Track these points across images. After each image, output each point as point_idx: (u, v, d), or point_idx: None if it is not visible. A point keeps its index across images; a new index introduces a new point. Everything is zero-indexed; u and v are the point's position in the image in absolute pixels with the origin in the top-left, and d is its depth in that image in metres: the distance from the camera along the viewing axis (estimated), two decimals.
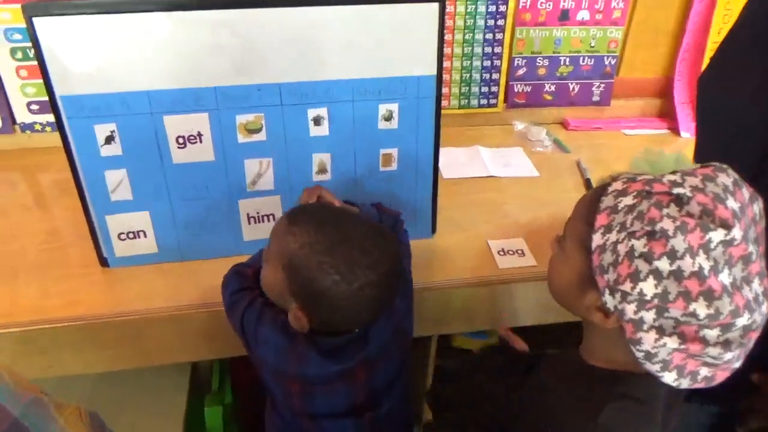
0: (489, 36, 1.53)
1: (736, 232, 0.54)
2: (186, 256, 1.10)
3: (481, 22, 1.51)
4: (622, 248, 0.58)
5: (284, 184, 1.07)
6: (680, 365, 0.59)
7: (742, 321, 0.54)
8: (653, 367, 0.60)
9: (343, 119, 1.03)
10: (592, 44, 1.60)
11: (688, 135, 1.66)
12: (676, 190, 0.57)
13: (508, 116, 1.66)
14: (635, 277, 0.57)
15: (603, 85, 1.66)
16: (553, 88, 1.64)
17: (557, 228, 1.25)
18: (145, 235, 1.06)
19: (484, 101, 1.62)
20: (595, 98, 1.68)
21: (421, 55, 1.01)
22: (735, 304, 0.54)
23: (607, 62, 1.63)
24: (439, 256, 1.15)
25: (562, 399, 0.70)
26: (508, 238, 1.19)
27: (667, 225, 0.55)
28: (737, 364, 0.59)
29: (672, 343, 0.57)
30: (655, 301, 0.56)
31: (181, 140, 0.99)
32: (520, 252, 1.15)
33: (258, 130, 1.01)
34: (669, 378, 0.60)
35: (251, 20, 0.92)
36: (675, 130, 1.68)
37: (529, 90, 1.63)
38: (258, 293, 0.88)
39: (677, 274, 0.55)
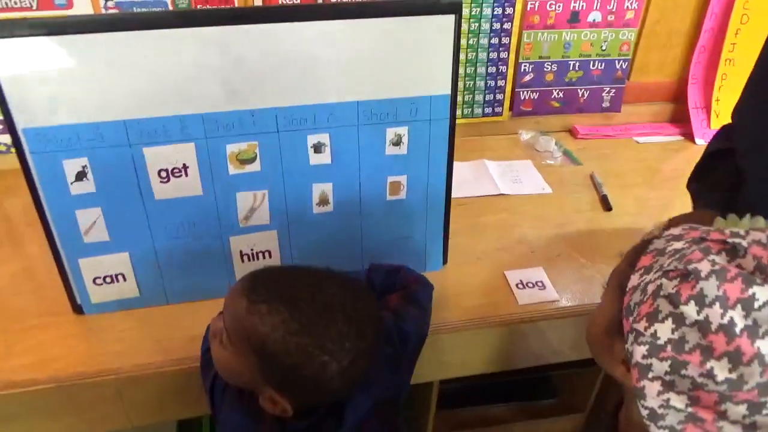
0: (495, 40, 1.42)
1: None
2: (172, 300, 0.98)
3: (486, 26, 1.40)
4: (651, 287, 0.52)
5: (281, 217, 0.96)
6: None
7: None
8: None
9: (347, 145, 0.92)
10: (604, 47, 1.50)
11: (702, 142, 1.57)
12: (733, 240, 0.50)
13: (513, 125, 1.56)
14: (653, 317, 0.50)
15: (614, 91, 1.56)
16: (561, 94, 1.54)
17: (576, 253, 1.17)
18: (125, 279, 0.94)
19: (488, 109, 1.52)
20: (605, 104, 1.58)
21: (434, 73, 0.89)
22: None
23: (618, 66, 1.53)
24: (452, 291, 1.04)
25: None
26: (526, 267, 1.09)
27: (703, 266, 0.48)
28: None
29: (678, 402, 0.49)
30: (668, 348, 0.49)
31: (164, 174, 0.87)
32: (540, 284, 1.05)
33: (251, 160, 0.89)
34: None
35: (243, 38, 0.81)
36: (689, 136, 1.60)
37: (536, 97, 1.53)
38: None
39: (703, 325, 0.47)
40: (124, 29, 0.77)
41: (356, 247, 1.02)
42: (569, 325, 1.02)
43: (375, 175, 0.96)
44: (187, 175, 0.87)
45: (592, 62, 1.51)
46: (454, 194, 1.28)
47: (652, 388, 0.51)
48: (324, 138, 0.90)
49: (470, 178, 1.36)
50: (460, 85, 1.47)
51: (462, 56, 1.43)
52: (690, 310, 0.48)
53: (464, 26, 1.39)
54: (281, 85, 0.85)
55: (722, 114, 1.57)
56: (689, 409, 0.49)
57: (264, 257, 0.99)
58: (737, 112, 0.86)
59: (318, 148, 0.91)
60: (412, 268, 0.99)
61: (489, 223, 1.23)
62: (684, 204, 1.31)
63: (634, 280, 0.55)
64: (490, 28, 1.41)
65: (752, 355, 0.46)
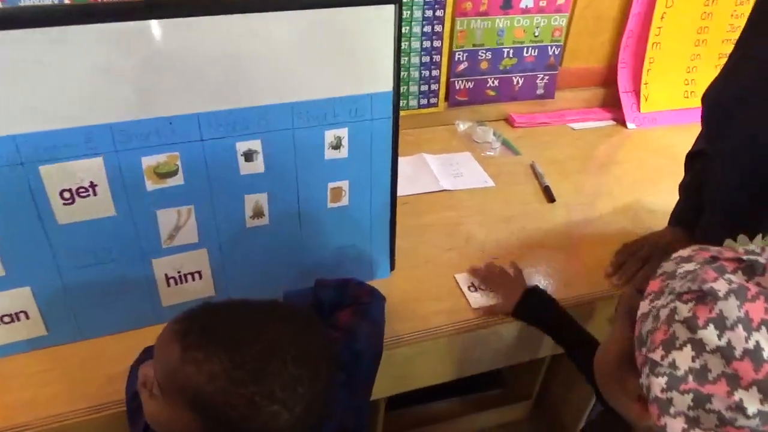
0: (428, 28, 1.36)
1: None
2: (87, 334, 0.86)
3: (418, 14, 1.33)
4: (664, 312, 0.47)
5: (211, 235, 0.85)
6: None
7: None
8: None
9: (282, 152, 0.83)
10: (536, 34, 1.47)
11: (633, 126, 1.59)
12: (749, 257, 0.45)
13: (449, 116, 1.51)
14: (669, 345, 0.45)
15: (547, 77, 1.54)
16: (496, 82, 1.50)
17: (525, 248, 1.13)
18: (27, 316, 0.81)
19: (423, 101, 1.45)
20: (540, 91, 1.56)
21: (374, 69, 0.82)
22: None
23: (551, 52, 1.51)
24: (401, 299, 0.97)
25: None
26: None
27: (720, 286, 0.44)
28: None
29: None
30: (690, 379, 0.44)
31: (67, 195, 0.74)
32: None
33: (172, 174, 0.78)
34: None
35: (154, 35, 0.69)
36: (621, 120, 1.60)
37: (471, 86, 1.48)
38: None
39: (726, 351, 0.42)
40: (10, 27, 0.64)
41: (298, 261, 0.93)
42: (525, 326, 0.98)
43: (314, 182, 0.87)
44: (95, 194, 0.75)
45: (525, 49, 1.48)
46: None
47: (675, 425, 0.45)
48: (255, 145, 0.81)
49: (410, 175, 1.29)
50: None
51: None
52: (710, 335, 0.43)
53: None
54: (202, 87, 0.74)
55: (651, 98, 1.59)
56: None
57: (194, 279, 0.88)
58: (705, 97, 0.83)
59: (249, 156, 0.81)
60: (359, 277, 0.92)
61: (434, 222, 1.17)
62: (621, 190, 1.31)
63: (644, 306, 0.50)
64: (423, 15, 1.34)
65: None
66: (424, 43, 1.38)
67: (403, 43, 1.36)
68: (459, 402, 1.55)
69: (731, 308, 0.43)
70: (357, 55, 0.79)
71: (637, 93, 1.59)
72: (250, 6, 0.71)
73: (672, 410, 0.45)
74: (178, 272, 0.86)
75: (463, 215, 1.19)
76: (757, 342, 0.42)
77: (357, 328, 0.79)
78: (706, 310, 0.44)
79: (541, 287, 0.96)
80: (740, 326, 0.42)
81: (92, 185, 0.75)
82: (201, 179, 0.80)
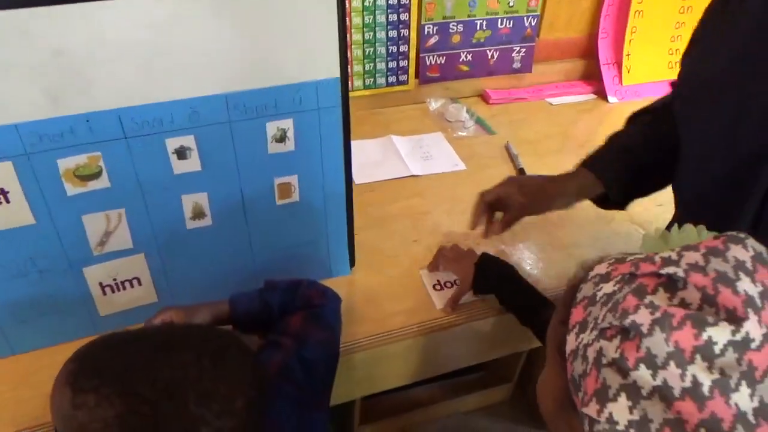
0: (393, 1, 1.27)
1: (752, 328, 0.36)
2: (19, 349, 0.80)
3: None
4: (590, 352, 0.41)
5: (147, 238, 0.78)
6: None
7: None
8: None
9: (219, 147, 0.75)
10: (511, 4, 1.38)
11: (615, 99, 1.51)
12: (667, 270, 0.40)
13: (421, 93, 1.43)
14: (602, 396, 0.40)
15: (524, 50, 1.46)
16: (469, 57, 1.41)
17: (496, 239, 1.07)
18: None
19: (392, 78, 1.37)
20: (516, 65, 1.47)
21: (317, 55, 0.74)
22: None
23: (527, 23, 1.42)
24: (362, 299, 0.92)
25: None
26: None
27: (642, 318, 0.38)
28: None
29: None
30: None
31: None
32: (458, 284, 0.94)
33: (95, 176, 0.71)
34: None
35: (59, 24, 0.61)
36: (602, 94, 1.53)
37: (443, 61, 1.39)
38: None
39: (665, 393, 0.37)
40: None
41: (247, 262, 0.87)
42: (494, 324, 0.92)
43: (258, 178, 0.80)
44: (8, 201, 0.68)
45: (499, 20, 1.39)
46: (358, 180, 1.16)
47: None
48: (188, 141, 0.73)
49: (377, 159, 1.22)
50: (359, 52, 1.30)
51: (358, 20, 1.27)
52: (644, 376, 0.38)
53: None
54: (120, 81, 0.66)
55: (633, 69, 1.51)
56: None
57: (132, 286, 0.81)
58: (683, 58, 0.75)
59: (182, 154, 0.74)
60: (315, 276, 0.86)
61: (399, 211, 1.10)
62: None
63: (571, 342, 0.44)
64: None
65: (732, 418, 0.36)
66: (390, 16, 1.29)
67: (367, 18, 1.27)
68: (439, 387, 1.52)
69: (659, 343, 0.37)
70: (296, 39, 0.71)
71: (618, 64, 1.51)
72: None
73: None
74: (114, 280, 0.80)
75: (430, 203, 1.12)
76: (694, 376, 0.37)
77: (308, 335, 0.73)
78: (634, 348, 0.38)
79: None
80: (672, 362, 0.37)
81: (3, 192, 0.68)
82: (129, 181, 0.73)
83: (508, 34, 1.42)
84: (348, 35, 1.27)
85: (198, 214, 0.79)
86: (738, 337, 0.36)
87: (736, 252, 0.40)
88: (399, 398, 1.45)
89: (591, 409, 0.40)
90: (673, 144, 0.75)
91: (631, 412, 0.38)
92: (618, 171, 0.82)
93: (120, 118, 0.68)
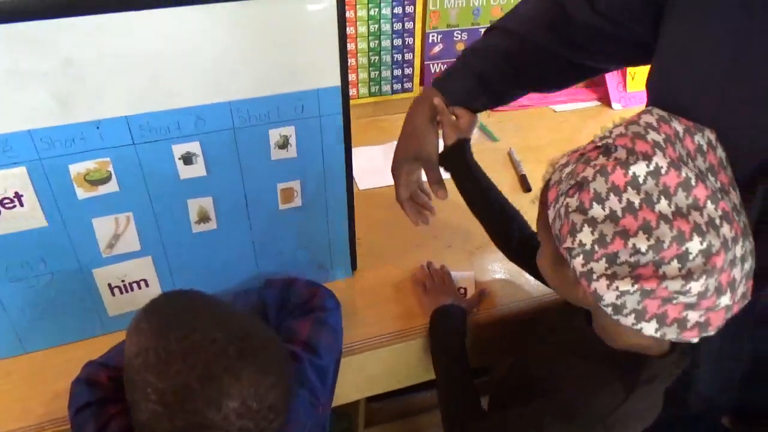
0: (398, 10, 1.29)
1: (659, 160, 0.53)
2: (30, 347, 0.83)
3: None
4: (562, 210, 0.58)
5: (155, 241, 0.81)
6: (659, 314, 0.56)
7: (695, 246, 0.52)
8: (627, 321, 0.57)
9: (224, 153, 0.78)
10: None
11: (619, 106, 1.52)
12: (603, 142, 0.58)
13: None
14: (573, 231, 0.56)
15: None
16: None
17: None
18: None
19: (397, 86, 1.39)
20: None
21: (318, 63, 0.76)
22: (677, 230, 0.52)
23: None
24: (364, 302, 0.94)
25: (578, 371, 0.69)
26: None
27: (588, 172, 0.56)
28: (725, 300, 0.55)
29: (625, 285, 0.54)
30: (597, 248, 0.55)
31: None
32: (461, 291, 0.96)
33: (105, 180, 0.74)
34: (649, 329, 0.57)
35: (71, 34, 0.64)
36: (606, 100, 1.54)
37: None
38: (114, 411, 0.65)
39: (612, 216, 0.54)
40: None
41: (251, 264, 0.89)
42: (493, 326, 0.94)
43: (262, 184, 0.82)
44: (22, 205, 0.71)
45: None
46: (362, 186, 1.18)
47: (601, 286, 0.55)
48: (194, 147, 0.76)
49: (380, 165, 1.24)
50: (364, 61, 1.33)
51: (363, 29, 1.30)
52: (597, 211, 0.55)
53: None
54: (129, 88, 0.69)
55: (638, 76, 1.52)
56: (635, 287, 0.54)
57: (140, 287, 0.84)
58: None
59: (188, 160, 0.76)
60: (318, 279, 0.88)
61: (402, 216, 1.11)
62: None
63: (551, 213, 0.60)
64: None
65: (656, 219, 0.53)
66: (395, 25, 1.31)
67: (372, 26, 1.30)
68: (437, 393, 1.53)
69: (600, 185, 0.54)
70: (298, 49, 0.74)
71: (623, 71, 1.52)
72: (173, 0, 0.65)
73: (595, 276, 0.56)
74: (122, 281, 0.83)
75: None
76: (628, 200, 0.53)
77: (319, 342, 0.76)
78: (587, 194, 0.55)
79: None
80: (612, 194, 0.54)
81: (17, 196, 0.71)
82: (137, 185, 0.76)
83: None
84: (354, 44, 1.30)
85: (203, 217, 0.82)
86: (651, 168, 0.53)
87: (646, 118, 0.58)
88: (404, 402, 1.47)
89: (568, 242, 0.57)
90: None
91: (592, 234, 0.55)
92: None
93: (129, 124, 0.71)
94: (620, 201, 0.54)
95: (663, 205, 0.53)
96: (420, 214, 0.94)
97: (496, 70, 0.86)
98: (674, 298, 0.54)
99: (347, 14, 1.22)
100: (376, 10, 1.28)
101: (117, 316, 0.85)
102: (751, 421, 0.83)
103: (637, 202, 0.53)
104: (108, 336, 0.85)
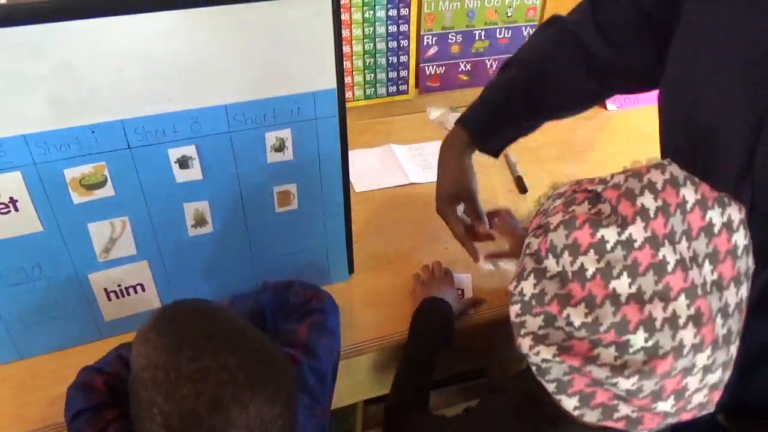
0: (393, 12, 1.29)
1: (635, 232, 0.46)
2: (26, 353, 0.82)
3: None
4: (525, 248, 0.54)
5: (151, 245, 0.81)
6: (585, 393, 0.50)
7: (638, 341, 0.45)
8: (549, 386, 0.52)
9: (220, 156, 0.78)
10: (509, 14, 1.40)
11: (614, 107, 1.53)
12: (596, 187, 0.51)
13: (421, 103, 1.45)
14: (520, 276, 0.52)
15: None
16: (468, 66, 1.44)
17: (494, 246, 1.08)
18: None
19: (393, 88, 1.40)
20: None
21: (314, 66, 0.76)
22: (621, 317, 0.45)
23: (525, 33, 1.44)
24: (361, 305, 0.94)
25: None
26: None
27: (554, 219, 0.50)
28: (663, 406, 0.48)
29: (547, 353, 0.50)
30: (534, 303, 0.51)
31: None
32: (459, 292, 0.96)
33: (100, 185, 0.74)
34: (568, 404, 0.51)
35: (65, 38, 0.64)
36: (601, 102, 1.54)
37: (442, 71, 1.42)
38: (111, 416, 0.64)
39: (562, 276, 0.49)
40: None
41: (247, 268, 0.89)
42: (490, 328, 0.94)
43: (258, 187, 0.82)
44: (17, 210, 0.71)
45: (498, 30, 1.41)
46: (359, 188, 1.18)
47: (524, 343, 0.51)
48: (189, 150, 0.75)
49: (377, 168, 1.24)
50: (359, 63, 1.33)
51: (358, 31, 1.30)
52: (551, 263, 0.49)
53: None
54: (124, 92, 0.69)
55: None
56: (557, 358, 0.49)
57: (137, 292, 0.84)
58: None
59: (184, 163, 0.76)
60: (316, 282, 0.88)
61: (399, 218, 1.12)
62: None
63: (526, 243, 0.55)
64: None
65: (603, 296, 0.46)
66: (389, 27, 1.31)
67: (367, 29, 1.30)
68: (443, 393, 1.53)
69: (559, 237, 0.49)
70: (294, 52, 0.74)
71: None
72: (166, 3, 0.65)
73: (523, 331, 0.51)
74: (118, 286, 0.82)
75: (430, 211, 1.12)
76: (582, 264, 0.47)
77: (317, 345, 0.75)
78: (544, 242, 0.50)
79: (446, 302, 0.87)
80: (566, 252, 0.48)
81: (12, 201, 0.70)
82: (133, 189, 0.75)
83: (506, 44, 1.44)
84: (349, 46, 1.30)
85: (199, 221, 0.82)
86: (623, 237, 0.46)
87: (653, 175, 0.49)
88: None
89: (511, 287, 0.52)
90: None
91: (534, 288, 0.50)
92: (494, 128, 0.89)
93: (124, 128, 0.71)
94: (573, 263, 0.47)
95: (622, 283, 0.46)
96: (476, 250, 0.91)
97: (517, 101, 0.87)
98: (603, 383, 0.49)
99: (342, 16, 1.22)
100: (371, 12, 1.28)
101: (113, 321, 0.84)
102: (746, 417, 0.83)
103: (591, 270, 0.47)
104: (104, 341, 0.85)
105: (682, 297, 0.45)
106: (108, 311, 0.84)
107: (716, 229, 0.48)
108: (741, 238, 0.48)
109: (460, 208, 0.91)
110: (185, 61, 0.70)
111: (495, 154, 0.94)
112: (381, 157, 1.28)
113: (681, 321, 0.45)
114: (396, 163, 1.26)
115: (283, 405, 0.57)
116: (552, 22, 0.88)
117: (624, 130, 1.45)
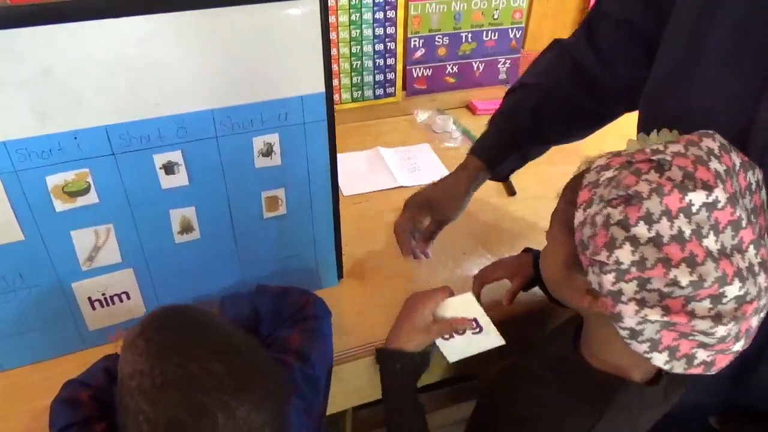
0: (380, 15, 1.29)
1: (719, 194, 0.50)
2: (7, 364, 0.81)
3: None
4: (599, 219, 0.55)
5: (136, 253, 0.79)
6: (672, 346, 0.55)
7: (733, 290, 0.51)
8: (640, 347, 0.56)
9: (206, 162, 0.76)
10: (495, 16, 1.40)
11: None
12: (657, 157, 0.54)
13: (408, 105, 1.44)
14: (611, 246, 0.53)
15: (509, 62, 1.48)
16: (455, 69, 1.43)
17: (482, 248, 1.08)
18: None
19: (380, 91, 1.39)
20: (502, 76, 1.50)
21: (302, 70, 0.75)
22: (722, 271, 0.50)
23: (512, 35, 1.44)
24: (351, 310, 0.93)
25: (551, 392, 0.67)
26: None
27: (642, 188, 0.52)
28: (737, 347, 0.55)
29: (654, 314, 0.53)
30: (633, 270, 0.53)
31: None
32: (473, 323, 0.94)
33: (84, 192, 0.72)
34: (659, 360, 0.56)
35: (47, 43, 0.62)
36: None
37: (429, 73, 1.41)
38: (99, 430, 0.63)
39: (656, 240, 0.51)
40: None
41: (236, 275, 0.87)
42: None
43: (246, 192, 0.81)
44: None
45: (484, 33, 1.41)
46: (347, 192, 1.17)
47: (628, 309, 0.54)
48: (175, 156, 0.74)
49: (364, 171, 1.24)
50: (346, 66, 1.32)
51: (345, 34, 1.29)
52: (642, 231, 0.52)
53: (345, 0, 1.24)
54: (108, 97, 0.67)
55: None
56: (665, 318, 0.53)
57: (122, 300, 0.82)
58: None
59: (169, 169, 0.75)
60: (305, 288, 0.87)
61: (388, 222, 1.10)
62: None
63: (579, 216, 0.57)
64: (374, 0, 1.27)
65: (704, 254, 0.50)
66: (376, 30, 1.31)
67: (354, 32, 1.29)
68: (434, 396, 1.52)
69: (654, 205, 0.51)
70: (281, 55, 0.73)
71: None
72: (151, 6, 0.64)
73: (623, 298, 0.54)
74: (103, 294, 0.80)
75: None
76: (679, 228, 0.51)
77: (310, 351, 0.74)
78: (636, 210, 0.52)
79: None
80: (664, 218, 0.51)
81: None
82: (117, 196, 0.74)
83: (493, 47, 1.44)
84: (335, 49, 1.29)
85: (186, 228, 0.80)
86: (710, 199, 0.50)
87: (708, 142, 0.54)
88: None
89: (602, 256, 0.53)
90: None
91: (633, 255, 0.52)
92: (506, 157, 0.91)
93: (108, 134, 0.69)
94: (671, 227, 0.51)
95: (710, 241, 0.51)
96: (409, 248, 0.91)
97: (525, 125, 0.89)
98: (693, 335, 0.54)
99: (329, 19, 1.21)
100: (358, 15, 1.27)
101: (97, 330, 0.83)
102: (738, 421, 0.84)
103: (688, 232, 0.51)
104: (88, 351, 0.83)
105: (752, 247, 0.52)
106: (92, 320, 0.82)
107: (753, 188, 0.56)
108: (764, 194, 0.57)
109: (426, 221, 0.90)
110: (170, 66, 0.68)
111: (504, 179, 0.96)
112: (369, 161, 1.27)
113: (755, 268, 0.52)
114: (383, 166, 1.25)
115: (271, 412, 0.56)
116: (552, 46, 0.91)
117: (612, 132, 1.44)
